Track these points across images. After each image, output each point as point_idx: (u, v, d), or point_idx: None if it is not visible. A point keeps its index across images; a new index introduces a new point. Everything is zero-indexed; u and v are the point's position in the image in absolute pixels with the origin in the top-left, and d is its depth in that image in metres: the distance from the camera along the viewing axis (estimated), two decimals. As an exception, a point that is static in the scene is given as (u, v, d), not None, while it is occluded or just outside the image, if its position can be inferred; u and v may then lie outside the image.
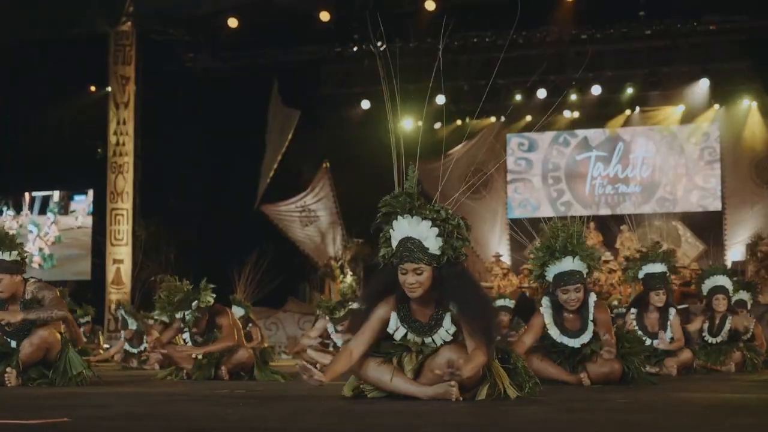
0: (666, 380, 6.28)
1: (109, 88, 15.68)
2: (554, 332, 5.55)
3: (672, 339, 6.99)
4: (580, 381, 5.43)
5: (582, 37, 15.99)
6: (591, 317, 5.50)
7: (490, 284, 15.36)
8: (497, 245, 17.45)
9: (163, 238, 15.78)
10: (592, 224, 14.91)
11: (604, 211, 17.10)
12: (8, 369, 5.31)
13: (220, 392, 4.80)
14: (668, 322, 7.01)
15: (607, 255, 14.16)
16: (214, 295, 6.74)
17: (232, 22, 15.58)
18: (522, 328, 9.20)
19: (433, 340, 3.92)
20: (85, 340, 12.04)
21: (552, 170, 17.99)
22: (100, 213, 16.46)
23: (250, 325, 9.42)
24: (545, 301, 5.66)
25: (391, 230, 3.93)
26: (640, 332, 6.93)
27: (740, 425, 2.91)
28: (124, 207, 15.40)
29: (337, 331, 8.73)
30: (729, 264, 15.41)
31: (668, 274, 7.11)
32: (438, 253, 3.86)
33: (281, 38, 16.32)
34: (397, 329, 3.95)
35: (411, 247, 3.85)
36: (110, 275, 15.23)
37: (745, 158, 16.90)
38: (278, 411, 3.49)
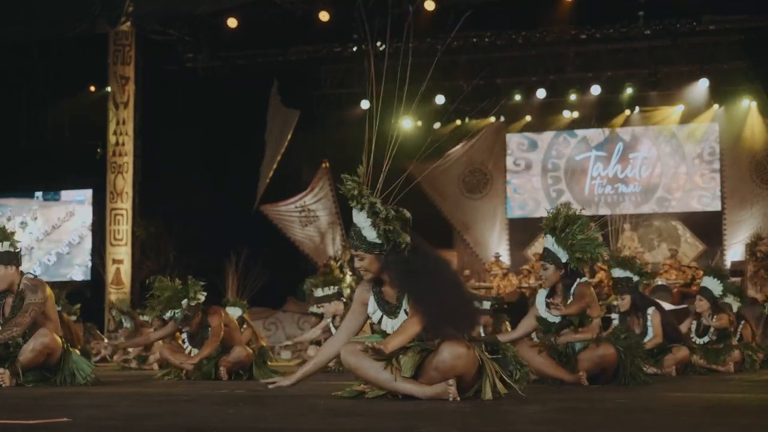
0: (666, 380, 6.29)
1: (109, 88, 15.68)
2: (541, 308, 5.81)
3: (653, 337, 7.07)
4: (578, 380, 5.45)
5: (582, 37, 15.99)
6: (572, 293, 5.70)
7: (489, 284, 15.36)
8: (497, 245, 17.45)
9: (163, 238, 15.79)
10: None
11: (604, 211, 17.10)
12: (0, 369, 5.32)
13: (220, 392, 4.80)
14: (647, 323, 7.10)
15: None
16: (205, 293, 6.73)
17: (232, 22, 15.58)
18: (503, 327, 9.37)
19: (398, 321, 4.05)
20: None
21: (551, 170, 17.99)
22: (99, 213, 16.46)
23: (245, 326, 9.44)
24: (542, 290, 5.98)
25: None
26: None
27: (740, 425, 2.91)
28: (123, 207, 15.39)
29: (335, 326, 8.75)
30: (728, 264, 15.42)
31: (634, 278, 7.18)
32: (378, 241, 4.05)
33: (281, 38, 16.31)
34: (374, 312, 4.15)
35: (353, 234, 4.12)
36: (110, 275, 15.23)
37: (745, 158, 16.89)
38: (278, 411, 3.49)
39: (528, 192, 18.01)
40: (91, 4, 14.87)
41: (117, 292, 15.09)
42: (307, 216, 17.77)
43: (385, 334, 4.06)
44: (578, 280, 5.73)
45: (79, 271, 17.88)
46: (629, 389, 5.03)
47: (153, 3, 15.45)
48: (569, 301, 5.68)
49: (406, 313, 4.03)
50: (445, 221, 17.52)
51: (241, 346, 6.79)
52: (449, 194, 17.59)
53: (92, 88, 17.09)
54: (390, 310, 4.11)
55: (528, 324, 5.93)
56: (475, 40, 15.86)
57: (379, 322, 4.12)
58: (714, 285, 8.15)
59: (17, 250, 5.58)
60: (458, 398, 3.80)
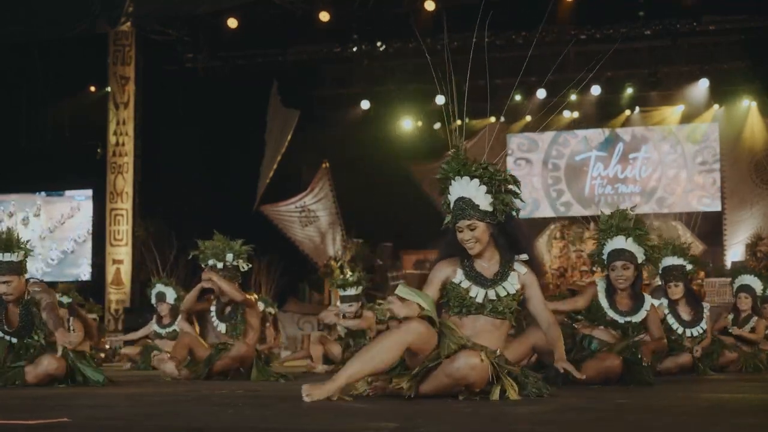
0: (666, 380, 6.29)
1: (109, 89, 15.68)
2: (604, 303, 5.70)
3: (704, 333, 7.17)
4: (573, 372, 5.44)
5: (582, 37, 15.98)
6: (645, 310, 5.65)
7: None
8: (497, 245, 17.44)
9: (163, 238, 15.77)
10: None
11: (604, 211, 17.09)
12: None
13: (220, 392, 4.80)
14: (704, 314, 7.17)
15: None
16: (250, 266, 6.79)
17: (232, 22, 15.58)
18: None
19: (496, 292, 4.13)
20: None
21: (552, 170, 17.99)
22: (100, 213, 16.46)
23: (267, 324, 9.40)
24: (600, 280, 5.85)
25: (448, 195, 4.22)
26: (676, 324, 7.10)
27: (740, 425, 2.91)
28: (123, 207, 15.40)
29: (344, 317, 8.66)
30: (729, 264, 15.42)
31: (687, 267, 7.19)
32: (490, 209, 4.12)
33: (281, 38, 16.31)
34: (461, 281, 4.17)
35: (462, 205, 4.13)
36: (110, 276, 15.23)
37: (745, 158, 16.89)
38: (278, 411, 3.49)
39: (528, 192, 17.99)
40: (91, 4, 14.87)
41: (117, 293, 15.09)
42: (307, 216, 17.77)
43: (470, 301, 4.12)
44: (648, 298, 5.74)
45: (86, 270, 17.72)
46: (629, 389, 5.03)
47: (153, 3, 15.45)
48: (638, 316, 5.66)
49: (513, 287, 4.14)
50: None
51: (246, 344, 6.73)
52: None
53: (92, 88, 17.09)
54: (485, 282, 4.16)
55: (576, 306, 5.80)
56: (475, 39, 15.84)
57: (468, 289, 4.15)
58: (755, 283, 8.18)
59: (26, 258, 5.61)
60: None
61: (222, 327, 6.70)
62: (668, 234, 15.40)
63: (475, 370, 3.82)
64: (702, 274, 14.23)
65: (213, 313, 6.75)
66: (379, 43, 15.93)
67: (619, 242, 5.65)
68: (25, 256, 5.59)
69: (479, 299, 4.13)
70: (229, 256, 6.71)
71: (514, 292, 4.17)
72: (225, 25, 15.63)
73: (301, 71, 17.10)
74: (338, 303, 8.80)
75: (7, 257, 5.51)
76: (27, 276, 5.66)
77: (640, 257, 5.64)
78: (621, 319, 5.66)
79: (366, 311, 8.75)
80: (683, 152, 17.34)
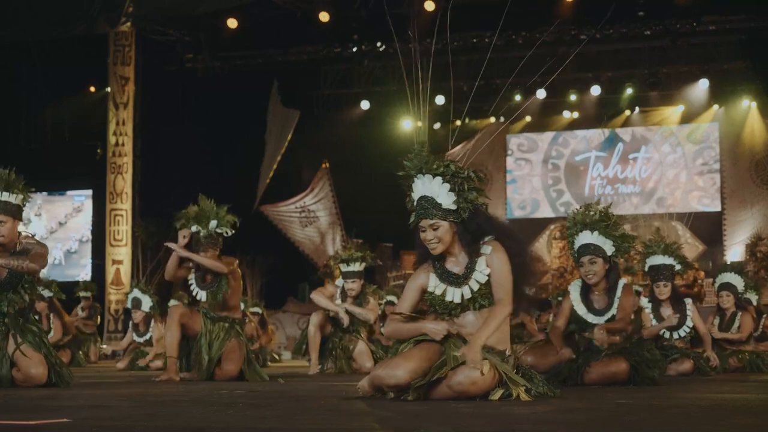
0: (666, 381, 6.29)
1: (109, 89, 15.68)
2: (581, 309, 5.62)
3: (692, 328, 7.11)
4: (565, 354, 5.47)
5: (582, 38, 15.98)
6: (618, 296, 5.55)
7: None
8: (497, 245, 17.45)
9: (163, 238, 15.75)
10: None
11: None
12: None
13: (220, 392, 4.80)
14: (687, 314, 7.07)
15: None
16: (234, 231, 6.63)
17: (232, 23, 15.58)
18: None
19: (470, 287, 4.03)
20: (82, 315, 12.10)
21: (551, 170, 17.99)
22: (99, 214, 16.45)
23: (246, 320, 9.40)
24: (575, 283, 5.77)
25: (412, 193, 4.11)
26: (655, 322, 7.05)
27: (741, 425, 2.91)
28: (123, 207, 15.39)
29: (344, 300, 8.38)
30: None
31: (675, 268, 7.12)
32: (453, 207, 4.00)
33: (281, 38, 16.31)
34: (436, 286, 4.10)
35: (425, 204, 4.02)
36: (110, 276, 15.23)
37: (745, 158, 16.90)
38: (278, 411, 3.49)
39: (528, 192, 18.01)
40: (91, 5, 14.87)
41: (117, 293, 15.09)
42: (307, 216, 17.77)
43: (449, 304, 4.05)
44: (621, 280, 5.64)
45: (88, 271, 17.60)
46: (630, 389, 5.03)
47: (153, 3, 15.45)
48: (613, 306, 5.56)
49: (483, 275, 4.01)
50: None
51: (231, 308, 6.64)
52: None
53: (92, 89, 17.09)
54: (456, 280, 4.06)
55: (565, 321, 5.70)
56: (475, 40, 15.86)
57: (443, 294, 4.08)
58: (737, 281, 8.14)
59: (24, 205, 5.47)
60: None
61: (202, 295, 6.55)
62: (668, 234, 15.42)
63: (475, 386, 3.83)
64: (702, 274, 14.25)
65: (192, 281, 6.63)
66: (378, 44, 15.94)
67: (584, 237, 5.56)
68: (23, 201, 5.44)
69: (457, 300, 4.06)
70: (213, 223, 6.58)
71: (486, 279, 4.05)
72: (225, 25, 15.63)
73: (301, 71, 17.10)
74: (339, 285, 8.50)
75: (5, 196, 5.35)
76: (24, 230, 5.47)
77: (609, 249, 5.53)
78: (602, 319, 5.57)
79: (370, 297, 8.41)
80: (683, 152, 17.34)
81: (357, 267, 8.25)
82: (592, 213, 5.62)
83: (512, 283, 4.04)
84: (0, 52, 15.57)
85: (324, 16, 15.33)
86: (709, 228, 16.72)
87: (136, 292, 10.04)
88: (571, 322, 5.68)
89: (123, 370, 9.62)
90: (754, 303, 8.73)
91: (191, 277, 6.65)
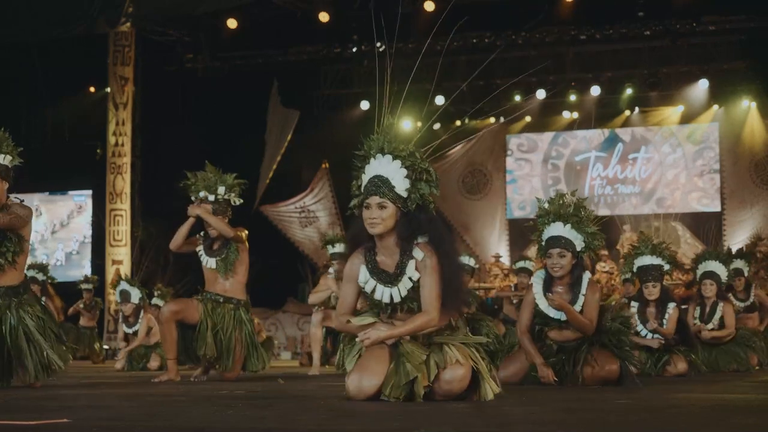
0: (666, 380, 6.29)
1: (109, 89, 15.68)
2: (542, 304, 5.51)
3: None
4: (545, 374, 5.38)
5: (581, 38, 16.00)
6: (583, 293, 5.44)
7: (489, 285, 15.36)
8: (497, 246, 17.46)
9: (163, 239, 15.76)
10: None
11: (603, 212, 17.10)
12: None
13: (220, 392, 4.80)
14: (665, 317, 6.98)
15: (603, 266, 14.15)
16: (242, 200, 6.69)
17: (232, 23, 15.58)
18: None
19: (399, 290, 3.90)
20: (82, 306, 12.16)
21: (551, 171, 17.99)
22: (99, 214, 16.45)
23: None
24: (538, 274, 5.66)
25: (362, 174, 3.96)
26: (640, 326, 6.98)
27: (741, 425, 2.91)
28: (122, 208, 15.39)
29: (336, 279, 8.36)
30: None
31: (664, 268, 7.07)
32: (404, 195, 3.87)
33: (281, 38, 16.31)
34: (366, 281, 3.97)
35: (377, 182, 3.88)
36: (109, 276, 15.22)
37: (745, 159, 16.90)
38: (278, 411, 3.49)
39: (528, 192, 18.01)
40: (91, 5, 14.88)
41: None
42: (306, 217, 17.77)
43: (381, 304, 3.95)
44: (586, 274, 5.52)
45: (88, 272, 17.54)
46: (630, 389, 5.03)
47: (153, 3, 15.46)
48: (577, 301, 5.43)
49: (411, 280, 3.89)
50: (444, 222, 17.54)
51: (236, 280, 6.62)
52: (449, 195, 17.59)
53: (92, 89, 17.09)
54: (387, 279, 3.92)
55: (529, 314, 5.57)
56: (475, 40, 15.86)
57: (373, 291, 3.96)
58: (720, 270, 8.09)
59: (13, 166, 5.40)
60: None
61: (212, 263, 6.54)
62: (668, 234, 15.43)
63: (462, 383, 3.83)
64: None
65: (201, 250, 6.62)
66: (378, 44, 15.93)
67: (556, 229, 5.44)
68: (12, 163, 5.37)
69: (386, 299, 3.94)
70: (221, 189, 6.57)
71: (413, 284, 3.91)
72: (225, 25, 15.63)
73: (301, 71, 17.10)
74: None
75: None
76: (14, 197, 5.42)
77: (579, 245, 5.43)
78: (558, 315, 5.47)
79: None
80: (683, 153, 17.34)
81: (344, 249, 8.24)
82: (566, 204, 5.50)
83: (439, 293, 3.88)
84: (0, 52, 15.57)
85: (324, 17, 15.33)
86: (708, 228, 16.69)
87: (124, 285, 10.08)
88: (535, 316, 5.55)
89: (120, 370, 9.63)
90: (746, 273, 8.77)
91: (199, 249, 6.64)
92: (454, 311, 3.98)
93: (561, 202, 5.52)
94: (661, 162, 17.41)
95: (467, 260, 9.08)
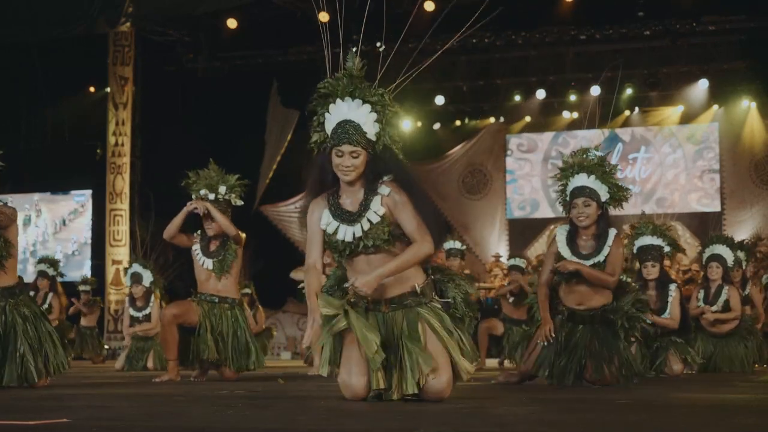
0: (666, 380, 6.29)
1: (109, 89, 15.68)
2: (565, 252, 5.49)
3: (670, 318, 6.95)
4: (542, 334, 5.37)
5: (581, 38, 15.99)
6: (609, 245, 5.40)
7: (490, 285, 15.35)
8: (497, 246, 17.45)
9: (163, 239, 15.75)
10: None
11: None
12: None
13: (220, 392, 4.80)
14: (668, 299, 6.92)
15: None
16: (242, 202, 6.69)
17: (232, 23, 15.57)
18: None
19: (361, 225, 3.85)
20: (82, 304, 12.15)
21: (551, 170, 17.97)
22: (99, 214, 16.44)
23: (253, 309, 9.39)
24: (561, 227, 5.67)
25: (326, 114, 3.90)
26: None
27: (741, 425, 2.91)
28: (122, 208, 15.39)
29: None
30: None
31: (664, 249, 7.05)
32: (374, 139, 3.84)
33: (281, 38, 16.31)
34: (329, 223, 3.91)
35: (349, 129, 3.81)
36: (109, 276, 15.22)
37: (745, 159, 16.89)
38: (278, 411, 3.49)
39: (528, 193, 18.01)
40: (91, 5, 14.87)
41: (116, 293, 15.08)
42: (306, 217, 17.76)
43: (341, 244, 3.88)
44: (612, 230, 5.47)
45: (88, 272, 17.45)
46: (630, 389, 5.03)
47: (153, 3, 15.45)
48: (601, 252, 5.37)
49: (377, 214, 3.83)
50: (444, 222, 17.53)
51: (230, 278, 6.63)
52: (449, 195, 17.59)
53: (92, 89, 17.09)
54: (350, 217, 3.87)
55: (551, 265, 5.51)
56: (475, 40, 15.86)
57: (335, 232, 3.90)
58: (727, 254, 8.08)
59: None
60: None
61: (208, 263, 6.54)
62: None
63: (448, 387, 3.83)
64: (701, 274, 14.21)
65: (198, 250, 6.62)
66: (378, 44, 15.93)
67: (581, 179, 5.46)
68: None
69: (348, 238, 3.86)
70: (222, 189, 6.58)
71: (379, 219, 3.83)
72: (225, 25, 15.62)
73: (301, 71, 17.09)
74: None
75: None
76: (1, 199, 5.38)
77: (604, 195, 5.44)
78: (587, 263, 5.40)
79: None
80: (683, 153, 17.34)
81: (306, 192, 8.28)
82: (590, 157, 5.49)
83: (421, 221, 3.84)
84: (0, 52, 15.57)
85: (324, 16, 15.31)
86: (708, 228, 16.69)
87: (137, 267, 9.91)
88: (555, 272, 5.49)
89: (120, 370, 9.61)
90: (744, 266, 8.78)
91: (195, 248, 6.64)
92: (437, 240, 3.96)
93: (584, 155, 5.50)
94: (661, 162, 17.41)
95: (454, 244, 9.06)
